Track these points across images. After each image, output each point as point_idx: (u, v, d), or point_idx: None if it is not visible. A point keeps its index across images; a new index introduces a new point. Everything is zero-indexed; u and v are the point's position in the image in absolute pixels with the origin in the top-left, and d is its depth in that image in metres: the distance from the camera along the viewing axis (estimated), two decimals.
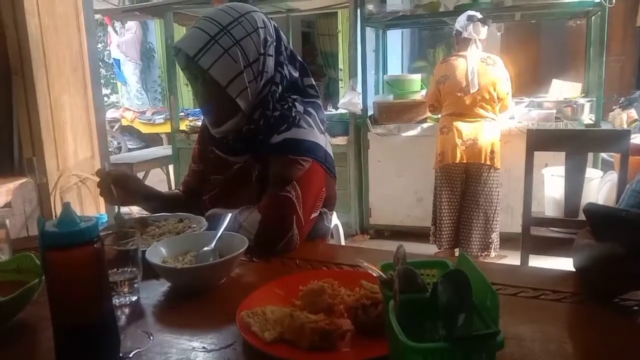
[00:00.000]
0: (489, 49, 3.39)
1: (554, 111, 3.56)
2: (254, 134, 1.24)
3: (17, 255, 0.97)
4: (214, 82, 1.18)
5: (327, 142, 1.30)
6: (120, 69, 8.29)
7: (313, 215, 1.25)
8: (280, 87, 1.25)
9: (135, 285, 0.93)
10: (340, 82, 6.68)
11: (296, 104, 1.26)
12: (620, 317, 0.83)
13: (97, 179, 1.30)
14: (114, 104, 8.24)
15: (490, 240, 3.19)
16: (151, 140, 7.43)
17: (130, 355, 0.75)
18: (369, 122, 3.89)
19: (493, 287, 0.59)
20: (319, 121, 1.29)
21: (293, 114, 1.24)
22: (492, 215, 3.18)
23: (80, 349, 0.71)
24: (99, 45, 7.82)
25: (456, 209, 3.25)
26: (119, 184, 1.27)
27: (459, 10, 3.51)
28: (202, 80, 1.21)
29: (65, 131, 2.50)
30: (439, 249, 3.32)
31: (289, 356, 0.69)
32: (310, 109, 1.28)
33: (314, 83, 1.33)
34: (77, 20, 2.55)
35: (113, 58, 8.29)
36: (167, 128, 5.80)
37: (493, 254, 3.21)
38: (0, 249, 1.02)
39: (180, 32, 4.99)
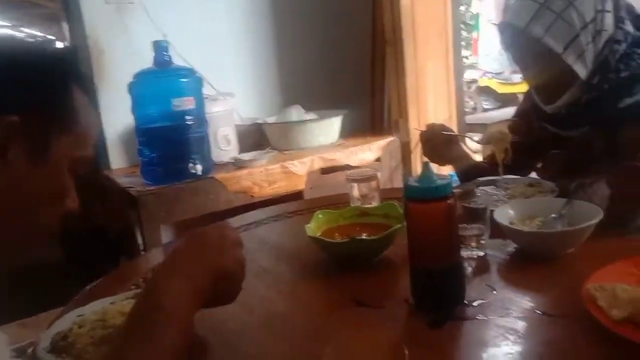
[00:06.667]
0: None
1: None
2: (596, 103, 1.13)
3: (385, 203, 1.15)
4: (547, 51, 1.11)
5: None
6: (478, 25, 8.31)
7: None
8: (623, 45, 1.10)
9: (482, 242, 0.99)
10: None
11: None
12: None
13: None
14: (473, 65, 8.40)
15: None
16: (508, 100, 7.34)
17: (474, 304, 0.82)
18: None
19: None
20: None
21: None
22: None
23: (432, 289, 0.82)
24: (461, 8, 8.02)
25: None
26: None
27: None
28: (533, 54, 1.15)
29: (427, 95, 2.72)
30: None
31: (639, 340, 0.64)
32: None
33: None
34: None
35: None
36: (524, 87, 5.63)
37: None
38: (372, 197, 1.22)
39: None
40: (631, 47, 1.13)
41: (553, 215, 1.01)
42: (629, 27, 1.13)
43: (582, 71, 1.12)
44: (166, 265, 0.70)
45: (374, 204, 1.20)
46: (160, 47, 2.06)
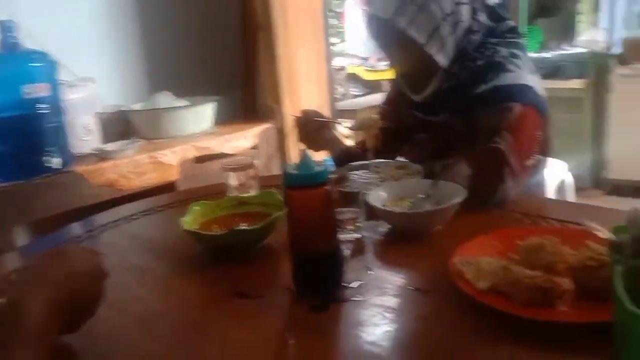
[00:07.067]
0: None
1: None
2: (455, 90, 1.21)
3: (263, 192, 1.13)
4: (412, 42, 1.16)
5: (539, 82, 1.20)
6: None
7: (529, 163, 1.18)
8: (478, 35, 1.20)
9: (358, 224, 1.01)
10: (578, 16, 5.92)
11: (498, 48, 1.20)
12: None
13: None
14: (341, 53, 8.61)
15: None
16: (374, 87, 7.63)
17: (353, 285, 0.84)
18: (613, 62, 3.41)
19: None
20: (527, 61, 1.21)
21: (497, 60, 1.18)
22: None
23: (312, 274, 0.82)
24: None
25: None
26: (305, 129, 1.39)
27: None
28: (397, 44, 1.21)
29: (299, 81, 2.74)
30: None
31: (502, 307, 0.70)
32: (515, 51, 1.21)
33: (514, 25, 1.26)
34: None
35: None
36: (389, 74, 5.88)
37: None
38: (250, 186, 1.20)
39: None
40: (485, 37, 1.22)
41: (421, 196, 1.07)
42: (483, 17, 1.22)
43: (443, 61, 1.19)
44: (25, 279, 0.66)
45: (252, 192, 1.18)
46: (5, 28, 1.85)
